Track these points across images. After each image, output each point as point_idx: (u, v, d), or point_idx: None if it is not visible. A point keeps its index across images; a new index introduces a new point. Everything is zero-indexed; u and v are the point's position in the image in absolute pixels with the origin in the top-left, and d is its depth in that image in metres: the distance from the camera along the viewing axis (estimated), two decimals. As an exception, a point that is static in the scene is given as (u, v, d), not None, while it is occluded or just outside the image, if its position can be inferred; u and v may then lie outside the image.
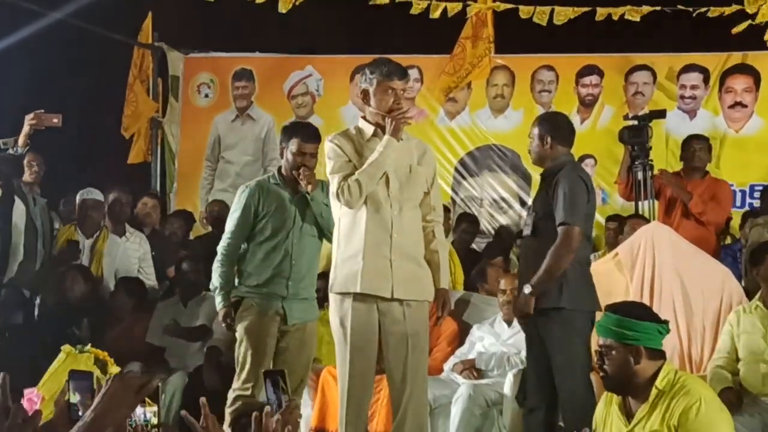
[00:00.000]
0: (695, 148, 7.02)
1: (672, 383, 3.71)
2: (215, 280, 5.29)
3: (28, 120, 6.19)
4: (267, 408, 2.83)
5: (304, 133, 5.30)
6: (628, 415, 3.81)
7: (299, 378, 5.25)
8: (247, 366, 5.10)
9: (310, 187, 5.15)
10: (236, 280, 5.30)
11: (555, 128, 5.14)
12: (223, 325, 5.35)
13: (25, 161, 6.90)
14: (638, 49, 8.72)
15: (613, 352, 3.74)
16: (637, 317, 3.79)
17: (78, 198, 7.44)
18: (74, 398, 2.70)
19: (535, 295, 4.88)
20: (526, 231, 5.09)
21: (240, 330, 5.19)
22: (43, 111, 6.19)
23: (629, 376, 3.73)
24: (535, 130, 5.12)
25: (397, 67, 4.67)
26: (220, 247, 5.32)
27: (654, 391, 3.71)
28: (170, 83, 9.58)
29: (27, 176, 7.07)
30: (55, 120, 6.18)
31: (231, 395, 5.10)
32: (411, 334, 4.64)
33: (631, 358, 3.72)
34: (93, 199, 7.32)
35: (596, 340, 3.87)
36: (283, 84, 9.42)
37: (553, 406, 4.99)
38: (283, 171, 5.31)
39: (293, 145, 5.21)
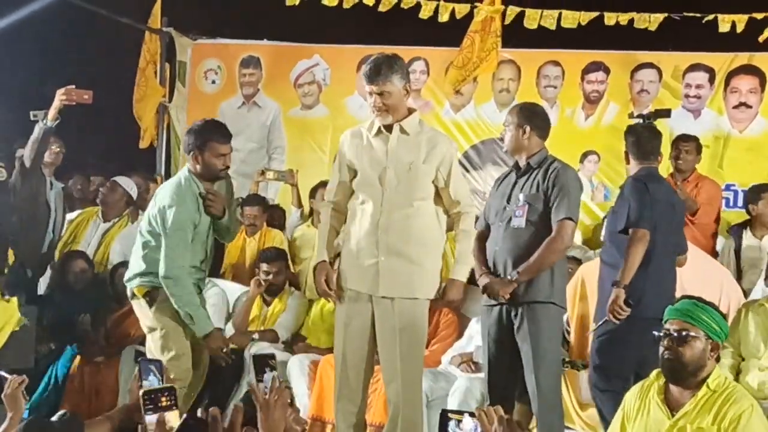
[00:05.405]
0: (682, 148, 7.06)
1: (722, 386, 3.76)
2: (139, 268, 5.13)
3: (59, 95, 6.10)
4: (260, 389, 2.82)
5: (219, 133, 5.10)
6: (670, 407, 3.83)
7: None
8: (173, 354, 5.00)
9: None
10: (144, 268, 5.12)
11: (533, 118, 5.12)
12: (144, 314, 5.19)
13: None
14: (644, 47, 8.71)
15: (696, 341, 3.75)
16: (722, 314, 3.84)
17: (108, 184, 7.56)
18: (147, 385, 2.75)
19: (519, 283, 4.87)
20: (518, 222, 5.01)
21: (161, 322, 5.07)
22: (74, 87, 6.12)
23: (699, 368, 3.77)
24: (513, 119, 5.11)
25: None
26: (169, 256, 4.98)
27: (705, 389, 3.75)
28: (177, 69, 9.55)
29: (47, 157, 6.96)
30: (86, 96, 6.09)
31: None
32: (400, 329, 4.68)
33: (709, 351, 3.77)
34: (123, 188, 7.47)
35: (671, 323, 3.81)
36: (290, 72, 9.42)
37: (510, 403, 5.01)
38: (195, 171, 5.07)
39: (210, 148, 5.02)
